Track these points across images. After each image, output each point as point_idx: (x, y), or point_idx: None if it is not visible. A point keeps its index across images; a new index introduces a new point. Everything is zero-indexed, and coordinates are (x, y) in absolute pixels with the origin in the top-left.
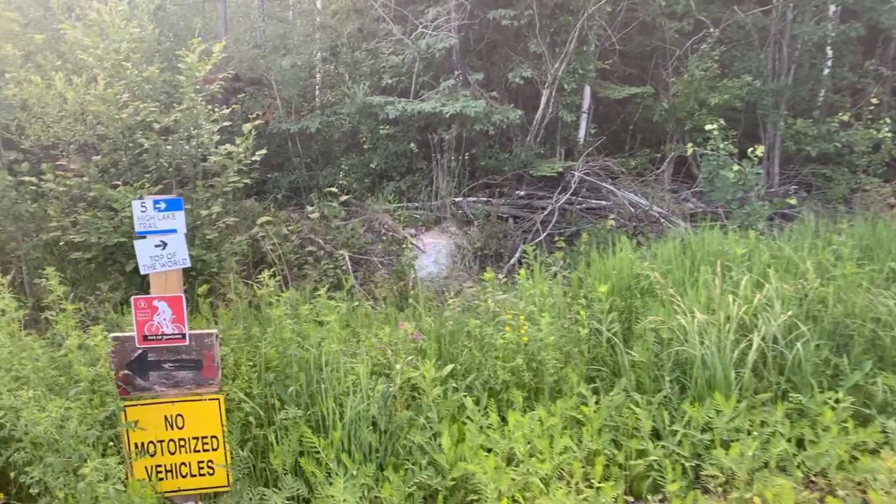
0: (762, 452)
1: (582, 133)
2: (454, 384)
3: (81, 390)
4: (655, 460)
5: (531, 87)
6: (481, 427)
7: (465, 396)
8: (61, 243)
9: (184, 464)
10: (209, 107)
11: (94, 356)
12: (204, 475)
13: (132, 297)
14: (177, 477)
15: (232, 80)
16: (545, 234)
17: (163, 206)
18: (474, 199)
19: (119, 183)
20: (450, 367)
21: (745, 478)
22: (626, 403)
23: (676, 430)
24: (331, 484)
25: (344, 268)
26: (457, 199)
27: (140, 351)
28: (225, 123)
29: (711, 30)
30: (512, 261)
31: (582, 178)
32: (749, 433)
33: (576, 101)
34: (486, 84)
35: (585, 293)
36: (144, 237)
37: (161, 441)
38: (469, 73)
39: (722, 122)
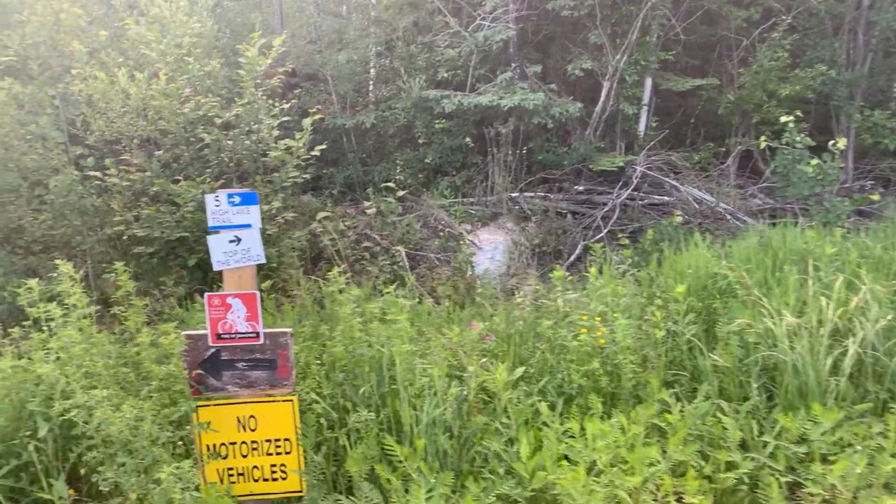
0: (868, 469)
1: (642, 126)
2: (525, 388)
3: (153, 389)
4: (746, 473)
5: (590, 80)
6: (559, 434)
7: (539, 401)
8: (124, 237)
9: (256, 467)
10: (269, 101)
11: (163, 353)
12: (277, 479)
13: (206, 294)
14: (249, 481)
15: (288, 75)
16: (606, 230)
17: (237, 200)
18: (531, 194)
19: (180, 178)
20: (521, 369)
21: (849, 496)
22: (712, 411)
23: (766, 442)
24: (407, 492)
25: (401, 264)
26: (513, 195)
27: (213, 350)
28: (284, 119)
29: (783, 17)
30: (571, 258)
31: (644, 172)
32: (851, 446)
33: (637, 93)
34: (542, 76)
35: (659, 293)
36: (218, 232)
37: (233, 443)
38: (526, 65)
39: (798, 113)
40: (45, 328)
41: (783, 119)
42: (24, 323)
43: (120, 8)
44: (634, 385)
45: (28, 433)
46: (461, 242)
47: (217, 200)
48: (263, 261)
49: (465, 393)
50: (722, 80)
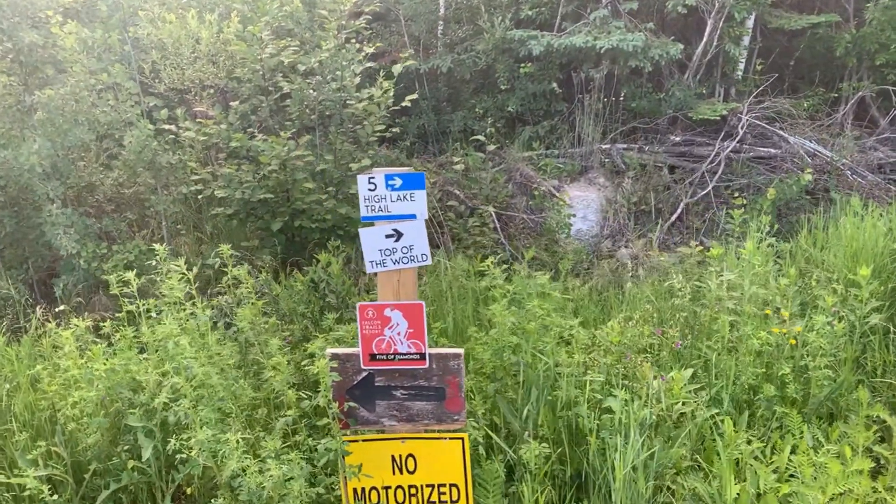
0: None
1: (745, 70)
2: (692, 396)
3: (291, 422)
4: None
5: (688, 18)
6: (766, 467)
7: (717, 416)
8: (200, 197)
9: None
10: (355, 44)
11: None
12: None
13: (358, 305)
14: None
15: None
16: (711, 186)
17: (398, 182)
18: (624, 146)
19: (255, 132)
20: (689, 371)
21: None
22: None
23: None
24: None
25: (491, 226)
26: (604, 146)
27: (365, 374)
28: (369, 65)
29: None
30: (673, 218)
31: (750, 122)
32: None
33: (742, 32)
34: (636, 14)
35: (821, 274)
36: (372, 224)
37: (387, 488)
38: (620, 1)
39: None
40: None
41: None
42: (118, 315)
43: None
44: (827, 393)
45: (127, 449)
46: (556, 201)
47: (372, 183)
48: (429, 262)
49: (652, 416)
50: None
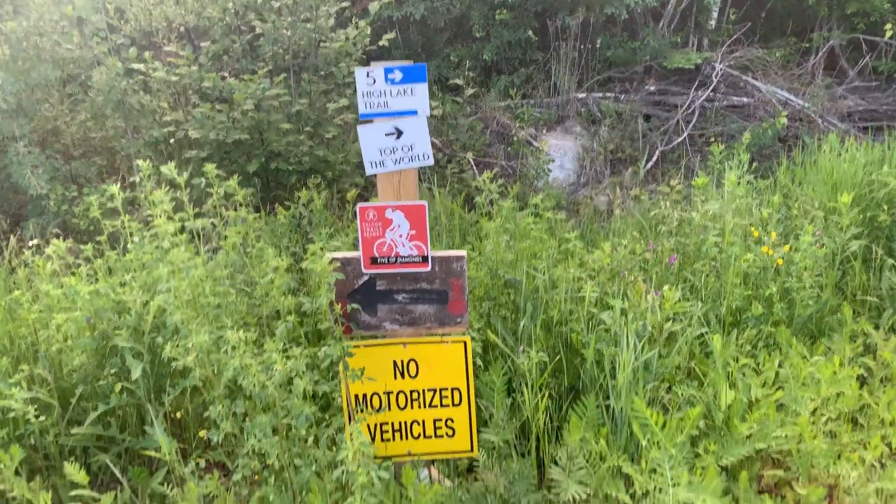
0: None
1: (718, 20)
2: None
3: (292, 328)
4: None
5: None
6: (761, 378)
7: (706, 335)
8: (172, 141)
9: (416, 422)
10: None
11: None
12: (441, 437)
13: (358, 206)
14: (406, 438)
15: None
16: (686, 133)
17: (397, 76)
18: (599, 94)
19: (227, 74)
20: (677, 293)
21: None
22: None
23: None
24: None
25: (469, 173)
26: (580, 95)
27: (366, 277)
28: (344, 4)
29: None
30: (648, 165)
31: (723, 71)
32: None
33: None
34: None
35: (801, 204)
36: (370, 121)
37: (388, 392)
38: None
39: None
40: (119, 245)
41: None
42: (98, 238)
43: None
44: (811, 314)
45: (114, 371)
46: (534, 148)
47: (370, 77)
48: (432, 162)
49: (648, 328)
50: None
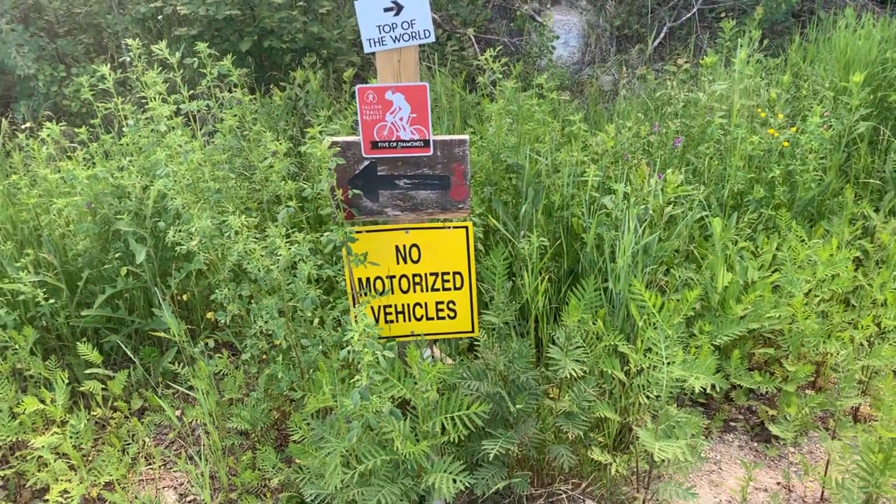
0: None
1: None
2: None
3: (293, 213)
4: None
5: None
6: (757, 259)
7: (706, 218)
8: (160, 17)
9: (418, 304)
10: None
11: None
12: (444, 318)
13: (357, 88)
14: (409, 320)
15: None
16: (697, 8)
17: None
18: None
19: None
20: (680, 176)
21: None
22: None
23: None
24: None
25: (471, 51)
26: None
27: (367, 162)
28: None
29: None
30: (656, 42)
31: None
32: None
33: None
34: None
35: (811, 84)
36: None
37: (391, 277)
38: None
39: None
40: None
41: None
42: (92, 122)
43: None
44: (813, 196)
45: (118, 256)
46: (538, 22)
47: None
48: (433, 38)
49: (650, 212)
50: None
